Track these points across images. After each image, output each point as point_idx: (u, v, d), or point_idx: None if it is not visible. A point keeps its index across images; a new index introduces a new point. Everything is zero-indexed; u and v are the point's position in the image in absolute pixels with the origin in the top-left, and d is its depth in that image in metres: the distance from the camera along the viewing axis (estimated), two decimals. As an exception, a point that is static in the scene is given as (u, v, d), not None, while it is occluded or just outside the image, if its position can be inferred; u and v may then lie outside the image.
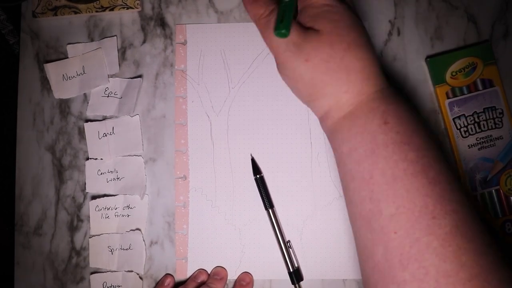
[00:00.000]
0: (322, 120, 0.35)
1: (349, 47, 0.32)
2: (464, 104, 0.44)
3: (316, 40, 0.32)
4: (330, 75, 0.33)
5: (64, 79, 0.47)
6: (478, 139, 0.44)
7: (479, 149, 0.44)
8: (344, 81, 0.32)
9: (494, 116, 0.44)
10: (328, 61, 0.32)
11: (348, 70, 0.32)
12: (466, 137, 0.44)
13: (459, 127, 0.44)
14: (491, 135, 0.44)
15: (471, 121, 0.44)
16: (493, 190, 0.43)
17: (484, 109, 0.44)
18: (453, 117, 0.44)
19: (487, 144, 0.44)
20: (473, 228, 0.29)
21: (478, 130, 0.44)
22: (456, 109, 0.44)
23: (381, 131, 0.31)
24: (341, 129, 0.33)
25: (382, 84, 0.33)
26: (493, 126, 0.44)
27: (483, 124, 0.44)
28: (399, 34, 0.46)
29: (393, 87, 0.34)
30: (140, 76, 0.47)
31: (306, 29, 0.33)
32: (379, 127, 0.31)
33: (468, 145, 0.44)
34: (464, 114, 0.44)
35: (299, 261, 0.45)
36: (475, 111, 0.44)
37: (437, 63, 0.44)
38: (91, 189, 0.46)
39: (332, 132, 0.34)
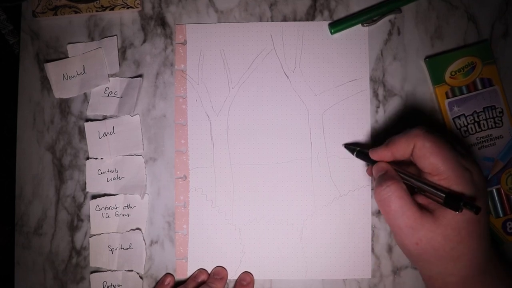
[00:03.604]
0: (424, 281, 0.37)
1: (463, 241, 0.33)
2: (464, 103, 0.44)
3: (430, 229, 0.33)
4: (437, 259, 0.34)
5: (64, 79, 0.47)
6: (478, 138, 0.44)
7: (479, 148, 0.44)
8: (451, 266, 0.34)
9: (494, 115, 0.44)
10: (438, 249, 0.33)
11: (456, 258, 0.33)
12: (466, 136, 0.44)
13: (459, 126, 0.44)
14: (491, 134, 0.44)
15: (471, 120, 0.44)
16: (494, 190, 0.43)
17: (483, 108, 0.44)
18: (453, 117, 0.44)
19: (487, 144, 0.44)
20: None
21: (478, 129, 0.44)
22: (455, 108, 0.44)
23: None
24: None
25: (489, 266, 0.34)
26: (493, 125, 0.44)
27: (483, 123, 0.44)
28: (399, 33, 0.46)
29: (498, 261, 0.35)
30: (140, 76, 0.47)
31: (421, 210, 0.34)
32: None
33: (468, 145, 0.44)
34: (464, 114, 0.44)
35: (298, 261, 0.45)
36: (475, 111, 0.44)
37: (436, 63, 0.44)
38: (91, 189, 0.46)
39: None
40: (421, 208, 0.34)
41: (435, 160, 0.34)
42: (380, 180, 0.36)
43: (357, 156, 0.42)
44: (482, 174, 0.35)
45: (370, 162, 0.40)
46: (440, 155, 0.34)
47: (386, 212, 0.35)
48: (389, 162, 0.38)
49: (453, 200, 0.32)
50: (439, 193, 0.33)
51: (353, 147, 0.43)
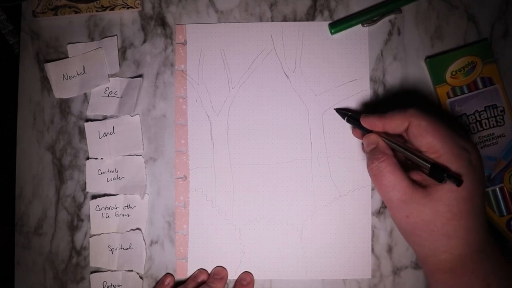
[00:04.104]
0: (419, 261, 0.38)
1: (453, 218, 0.33)
2: (465, 103, 0.44)
3: (420, 202, 0.34)
4: (428, 234, 0.34)
5: (64, 79, 0.47)
6: (480, 137, 0.44)
7: (481, 147, 0.44)
8: (444, 243, 0.34)
9: (496, 114, 0.44)
10: (429, 223, 0.34)
11: (448, 236, 0.34)
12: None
13: (460, 127, 0.44)
14: (493, 133, 0.44)
15: (472, 120, 0.44)
16: (497, 188, 0.43)
17: (485, 107, 0.44)
18: (455, 116, 0.44)
19: (489, 143, 0.44)
20: None
21: (480, 128, 0.44)
22: (457, 108, 0.44)
23: None
24: (442, 281, 0.35)
25: (485, 246, 0.34)
26: (495, 124, 0.44)
27: (485, 122, 0.44)
28: (399, 34, 0.46)
29: (495, 243, 0.35)
30: (140, 76, 0.47)
31: (414, 185, 0.35)
32: None
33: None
34: (465, 113, 0.44)
35: (298, 261, 0.45)
36: (476, 110, 0.44)
37: (436, 64, 0.44)
38: (91, 189, 0.46)
39: (431, 279, 0.36)
40: (414, 183, 0.35)
41: (432, 138, 0.34)
42: (371, 154, 0.37)
43: (348, 121, 0.43)
44: (479, 155, 0.35)
45: (360, 128, 0.40)
46: (437, 134, 0.34)
47: (379, 186, 0.36)
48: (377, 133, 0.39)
49: (437, 171, 0.33)
50: (424, 163, 0.34)
51: (344, 112, 0.43)
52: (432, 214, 0.33)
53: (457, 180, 0.32)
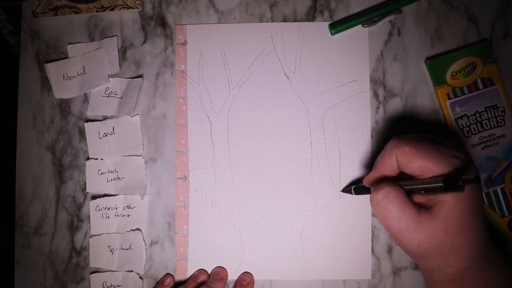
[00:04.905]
0: (423, 274, 0.38)
1: (462, 232, 0.33)
2: (466, 104, 0.44)
3: (430, 227, 0.33)
4: (439, 255, 0.34)
5: (64, 79, 0.47)
6: (481, 138, 0.44)
7: (482, 148, 0.44)
8: (452, 259, 0.34)
9: (496, 114, 0.44)
10: (440, 245, 0.33)
11: (457, 250, 0.33)
12: (469, 136, 0.44)
13: (461, 127, 0.44)
14: (493, 134, 0.44)
15: (473, 120, 0.44)
16: (499, 189, 0.43)
17: (485, 108, 0.44)
18: (455, 117, 0.44)
19: (490, 143, 0.44)
20: None
21: (480, 129, 0.44)
22: (458, 109, 0.44)
23: None
24: None
25: (486, 253, 0.34)
26: (496, 125, 0.44)
27: (485, 123, 0.44)
28: (399, 34, 0.46)
29: (497, 250, 0.35)
30: (140, 76, 0.47)
31: (419, 209, 0.34)
32: None
33: (471, 145, 0.44)
34: (466, 114, 0.44)
35: (298, 262, 0.45)
36: (477, 111, 0.44)
37: (436, 64, 0.44)
38: (91, 189, 0.46)
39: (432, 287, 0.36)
40: (419, 207, 0.34)
41: (421, 160, 0.34)
42: (374, 187, 0.36)
43: (356, 193, 0.42)
44: (470, 157, 0.35)
45: (369, 192, 0.39)
46: (423, 154, 0.34)
47: (384, 216, 0.35)
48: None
49: (452, 182, 0.32)
50: (436, 184, 0.33)
51: (349, 188, 0.44)
52: (443, 234, 0.33)
53: (475, 178, 0.31)
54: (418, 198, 0.36)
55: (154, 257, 0.46)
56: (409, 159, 0.34)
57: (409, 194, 0.35)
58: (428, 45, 0.46)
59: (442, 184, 0.32)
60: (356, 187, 0.42)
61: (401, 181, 0.36)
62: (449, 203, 0.33)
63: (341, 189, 0.45)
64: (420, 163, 0.34)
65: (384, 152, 0.36)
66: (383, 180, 0.37)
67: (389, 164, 0.36)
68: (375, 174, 0.38)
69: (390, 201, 0.34)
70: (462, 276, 0.34)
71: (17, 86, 0.48)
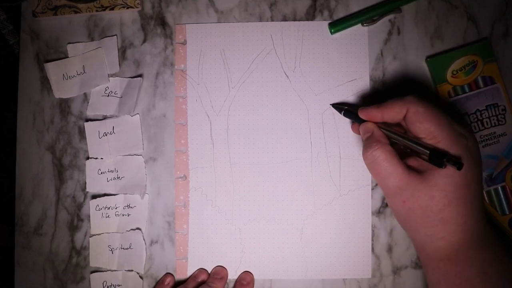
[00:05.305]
0: (416, 249, 0.37)
1: (450, 203, 0.33)
2: (466, 102, 0.44)
3: (416, 188, 0.34)
4: (425, 220, 0.34)
5: (64, 79, 0.47)
6: (481, 136, 0.44)
7: (483, 146, 0.44)
8: (440, 229, 0.34)
9: (497, 113, 0.44)
10: (425, 209, 0.34)
11: (445, 222, 0.33)
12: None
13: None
14: (494, 132, 0.44)
15: (474, 119, 0.44)
16: (499, 187, 0.43)
17: (486, 106, 0.44)
18: (456, 116, 0.44)
19: (491, 141, 0.44)
20: None
21: (481, 127, 0.44)
22: (458, 107, 0.44)
23: (479, 281, 0.33)
24: (437, 268, 0.35)
25: (481, 233, 0.34)
26: (496, 123, 0.44)
27: (486, 121, 0.44)
28: (399, 33, 0.46)
29: (492, 232, 0.35)
30: (140, 76, 0.47)
31: (410, 171, 0.34)
32: (477, 276, 0.33)
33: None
34: (466, 113, 0.44)
35: (298, 261, 0.45)
36: (478, 109, 0.44)
37: (437, 63, 0.44)
38: (91, 189, 0.46)
39: (427, 267, 0.36)
40: (410, 169, 0.35)
41: (429, 124, 0.34)
42: (367, 143, 0.37)
43: (345, 115, 0.42)
44: (476, 142, 0.35)
45: (358, 121, 0.40)
46: (434, 120, 0.34)
47: (374, 174, 0.36)
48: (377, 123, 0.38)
49: (437, 156, 0.33)
50: (424, 149, 0.34)
51: (341, 106, 0.43)
52: (428, 199, 0.33)
53: (458, 163, 0.32)
54: (412, 162, 0.36)
55: (154, 256, 0.46)
56: (419, 119, 0.35)
57: (403, 157, 0.36)
58: (428, 44, 0.46)
59: (428, 153, 0.33)
60: (347, 109, 0.42)
61: (393, 128, 0.37)
62: (439, 174, 0.33)
63: (331, 103, 0.45)
64: (428, 127, 0.34)
65: (397, 100, 0.36)
66: (376, 125, 0.38)
67: (396, 111, 0.36)
68: (374, 111, 0.38)
69: (381, 159, 0.35)
70: (457, 252, 0.34)
71: (17, 86, 0.48)
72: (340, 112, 0.43)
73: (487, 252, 0.34)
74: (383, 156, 0.35)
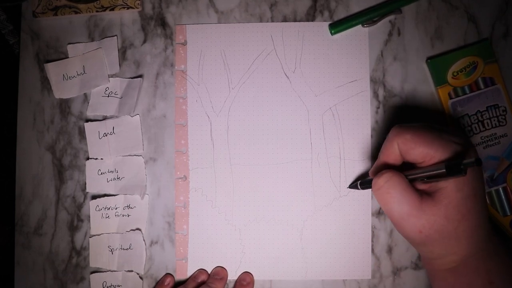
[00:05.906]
0: (423, 262, 0.37)
1: (463, 218, 0.33)
2: (467, 103, 0.44)
3: (431, 213, 0.33)
4: (442, 242, 0.34)
5: (64, 79, 0.47)
6: (482, 137, 0.44)
7: (484, 147, 0.44)
8: (453, 245, 0.34)
9: (498, 114, 0.44)
10: (442, 232, 0.33)
11: (459, 237, 0.33)
12: (470, 136, 0.44)
13: (463, 127, 0.44)
14: (495, 133, 0.44)
15: (474, 120, 0.44)
16: (500, 188, 0.43)
17: (487, 107, 0.44)
18: (457, 117, 0.44)
19: (492, 142, 0.44)
20: None
21: (482, 128, 0.44)
22: (459, 109, 0.44)
23: None
24: (444, 279, 0.35)
25: (488, 243, 0.34)
26: (497, 124, 0.44)
27: (487, 122, 0.44)
28: (399, 34, 0.46)
29: (499, 241, 0.35)
30: (140, 76, 0.47)
31: (421, 195, 0.34)
32: (483, 286, 0.33)
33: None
34: (467, 114, 0.44)
35: (298, 262, 0.45)
36: (478, 110, 0.44)
37: (437, 64, 0.44)
38: (91, 189, 0.46)
39: (434, 277, 0.36)
40: (421, 193, 0.34)
41: (422, 147, 0.34)
42: (378, 174, 0.36)
43: (362, 188, 0.42)
44: (473, 146, 0.35)
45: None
46: (424, 141, 0.34)
47: (386, 201, 0.34)
48: None
49: (454, 167, 0.31)
50: (439, 170, 0.32)
51: (355, 183, 0.43)
52: (445, 221, 0.33)
53: (476, 160, 0.30)
54: (420, 185, 0.35)
55: (154, 257, 0.46)
56: (410, 146, 0.34)
57: (411, 182, 0.35)
58: (428, 45, 0.46)
59: (444, 170, 0.31)
60: (362, 181, 0.42)
61: (404, 171, 0.36)
62: (451, 189, 0.33)
63: (347, 186, 0.45)
64: (422, 150, 0.33)
65: (386, 141, 0.36)
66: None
67: (391, 152, 0.36)
68: (379, 164, 0.38)
69: (392, 186, 0.34)
70: (464, 264, 0.34)
71: (17, 86, 0.48)
72: (357, 188, 0.43)
73: (494, 261, 0.34)
74: (395, 179, 0.34)
